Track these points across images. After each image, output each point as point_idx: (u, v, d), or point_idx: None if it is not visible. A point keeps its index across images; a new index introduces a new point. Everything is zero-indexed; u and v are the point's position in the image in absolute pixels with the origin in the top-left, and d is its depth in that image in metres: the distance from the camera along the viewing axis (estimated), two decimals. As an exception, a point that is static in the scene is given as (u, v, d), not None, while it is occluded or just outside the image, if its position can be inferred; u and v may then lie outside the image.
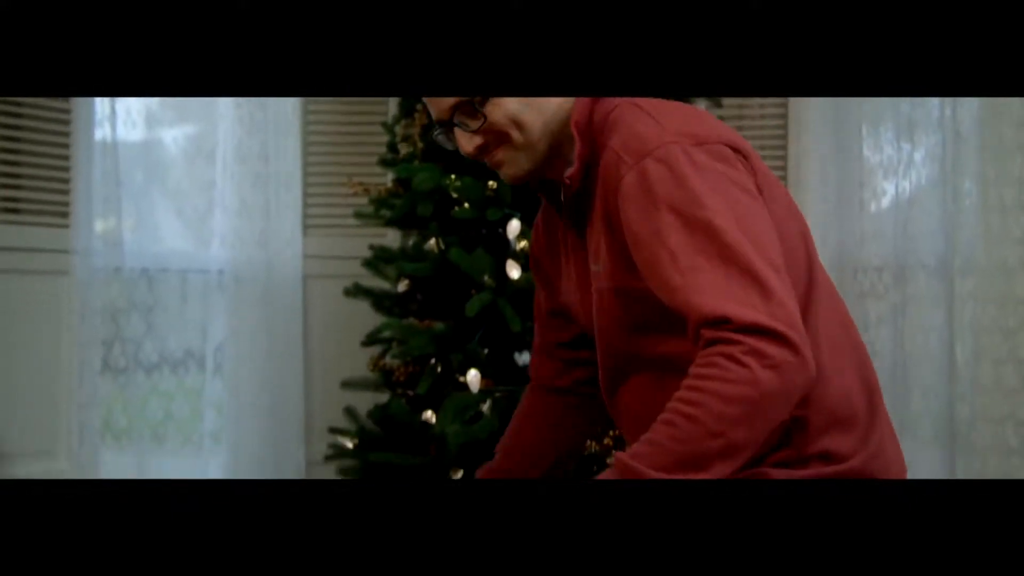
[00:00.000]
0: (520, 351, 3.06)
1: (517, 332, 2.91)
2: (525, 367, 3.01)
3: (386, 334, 3.33)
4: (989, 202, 3.59)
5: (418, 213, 3.18)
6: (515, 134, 1.65)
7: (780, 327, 1.42)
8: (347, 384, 3.48)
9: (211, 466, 3.79)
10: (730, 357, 1.41)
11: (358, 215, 3.50)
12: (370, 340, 3.41)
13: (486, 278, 2.99)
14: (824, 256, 3.76)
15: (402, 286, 3.31)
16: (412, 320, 3.25)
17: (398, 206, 3.29)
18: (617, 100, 1.68)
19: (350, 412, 3.42)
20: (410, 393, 3.26)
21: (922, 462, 3.70)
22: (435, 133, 1.73)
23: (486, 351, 3.09)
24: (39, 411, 3.45)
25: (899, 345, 3.72)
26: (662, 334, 1.56)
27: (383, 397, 3.37)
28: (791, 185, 3.91)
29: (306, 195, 4.03)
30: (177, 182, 3.92)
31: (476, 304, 2.98)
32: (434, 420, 3.07)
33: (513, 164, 1.68)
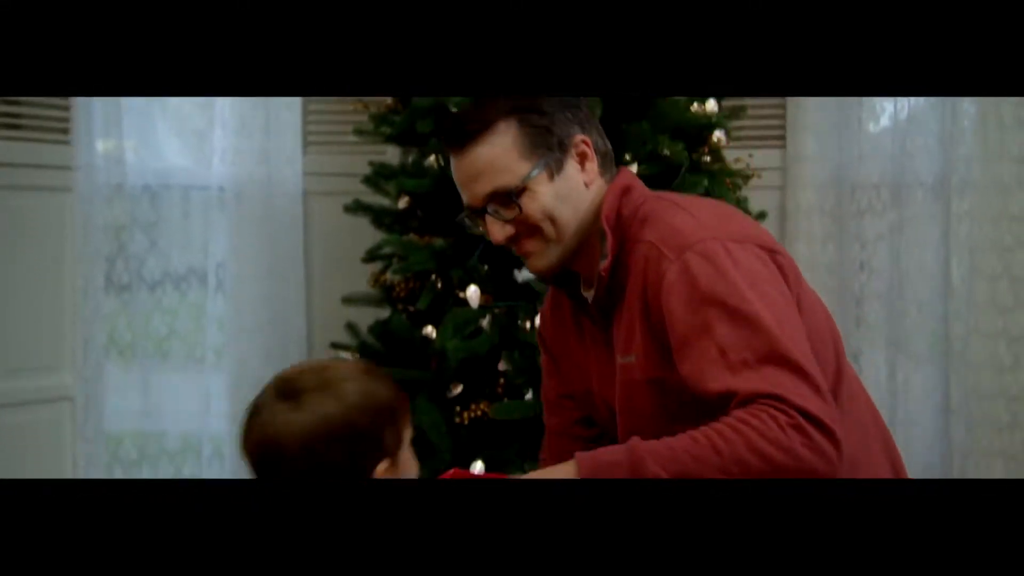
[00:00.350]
0: (519, 267, 3.08)
1: (516, 248, 2.92)
2: (524, 284, 3.03)
3: (386, 250, 3.35)
4: (987, 120, 3.59)
5: (418, 130, 3.18)
6: (548, 228, 1.66)
7: (828, 421, 1.46)
8: (348, 300, 3.50)
9: (214, 383, 3.83)
10: (776, 420, 1.44)
11: (358, 131, 3.50)
12: (370, 256, 3.43)
13: (486, 194, 3.00)
14: (822, 174, 3.80)
15: (402, 202, 3.32)
16: (412, 236, 3.26)
17: (398, 122, 3.29)
18: (645, 194, 1.70)
19: (351, 328, 3.45)
20: (411, 309, 3.28)
21: (917, 379, 3.74)
22: (463, 216, 1.73)
23: (486, 267, 3.11)
24: (44, 327, 3.48)
25: (895, 262, 3.74)
26: (695, 423, 1.54)
27: (384, 313, 3.40)
28: (790, 102, 3.90)
29: (306, 112, 4.01)
30: (177, 99, 3.89)
31: (476, 220, 2.99)
32: (434, 335, 3.10)
33: (543, 257, 1.69)
